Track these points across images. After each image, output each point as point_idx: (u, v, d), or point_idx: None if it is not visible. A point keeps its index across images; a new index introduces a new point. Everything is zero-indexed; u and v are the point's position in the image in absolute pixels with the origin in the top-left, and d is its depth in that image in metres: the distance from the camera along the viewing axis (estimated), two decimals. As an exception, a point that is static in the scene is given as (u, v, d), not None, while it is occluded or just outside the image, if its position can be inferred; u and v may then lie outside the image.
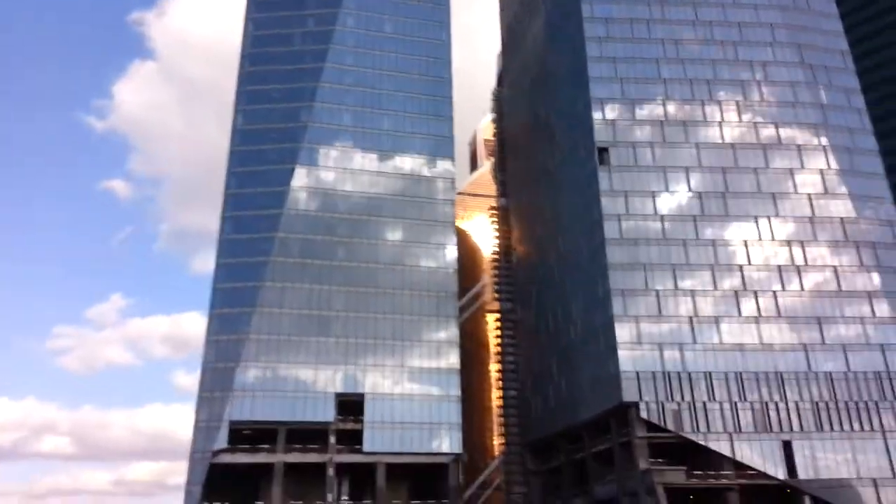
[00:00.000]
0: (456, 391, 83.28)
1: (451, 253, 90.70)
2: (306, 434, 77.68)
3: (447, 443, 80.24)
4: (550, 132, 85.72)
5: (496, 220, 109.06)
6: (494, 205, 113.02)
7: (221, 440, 75.47)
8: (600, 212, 68.47)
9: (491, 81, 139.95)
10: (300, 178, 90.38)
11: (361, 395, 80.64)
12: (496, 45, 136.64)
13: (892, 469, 58.35)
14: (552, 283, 79.76)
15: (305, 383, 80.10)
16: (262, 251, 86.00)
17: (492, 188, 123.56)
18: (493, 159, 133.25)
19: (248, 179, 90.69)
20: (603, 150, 71.96)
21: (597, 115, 73.69)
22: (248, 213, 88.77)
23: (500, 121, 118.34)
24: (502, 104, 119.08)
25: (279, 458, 75.90)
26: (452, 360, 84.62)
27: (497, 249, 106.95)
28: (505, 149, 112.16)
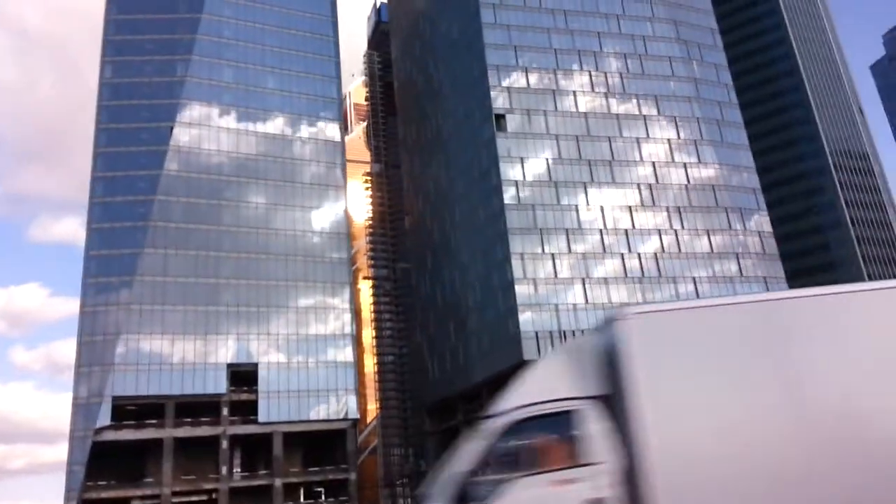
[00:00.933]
0: (351, 356, 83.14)
1: (342, 217, 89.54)
2: (197, 407, 74.65)
3: (344, 408, 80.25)
4: (444, 97, 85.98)
5: (370, 186, 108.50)
6: (368, 171, 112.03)
7: (104, 417, 70.87)
8: (499, 177, 70.01)
9: (362, 43, 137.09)
10: (179, 137, 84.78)
11: (255, 365, 78.42)
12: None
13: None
14: (448, 249, 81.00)
15: (194, 355, 76.57)
16: (139, 215, 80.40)
17: (364, 153, 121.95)
18: (364, 123, 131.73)
19: (119, 137, 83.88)
20: (500, 117, 73.31)
21: (493, 82, 74.73)
22: (121, 173, 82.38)
23: (373, 83, 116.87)
24: (374, 66, 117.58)
25: (168, 433, 72.53)
26: (346, 325, 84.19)
27: (371, 216, 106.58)
28: (383, 112, 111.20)
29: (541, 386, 8.27)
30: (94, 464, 69.30)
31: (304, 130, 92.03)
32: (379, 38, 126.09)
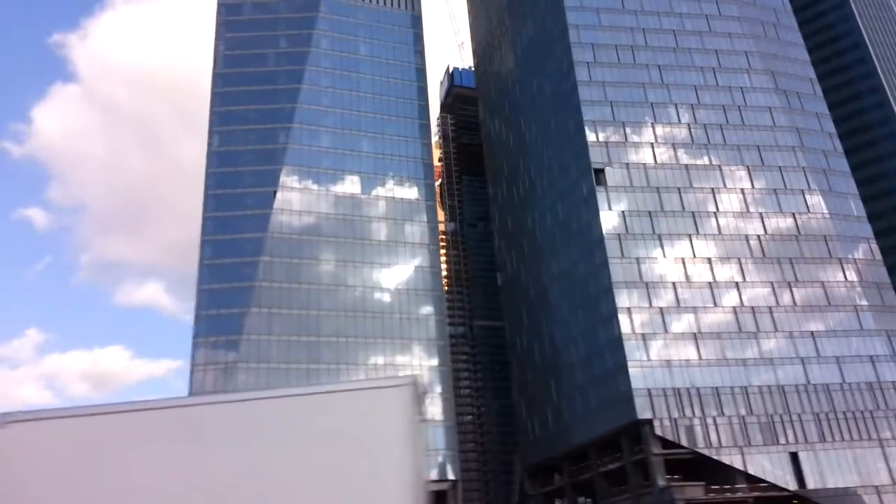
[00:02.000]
0: (452, 417, 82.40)
1: (436, 275, 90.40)
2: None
3: (446, 469, 79.10)
4: (537, 153, 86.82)
5: (445, 245, 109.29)
6: (443, 230, 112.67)
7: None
8: (601, 231, 69.44)
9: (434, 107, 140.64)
10: (281, 200, 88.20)
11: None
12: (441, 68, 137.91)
13: (892, 476, 60.94)
14: (546, 304, 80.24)
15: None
16: (245, 276, 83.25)
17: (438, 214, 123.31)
18: (439, 182, 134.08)
19: (226, 202, 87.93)
20: (599, 171, 73.28)
21: (590, 137, 75.07)
22: (227, 236, 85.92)
23: (446, 144, 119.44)
24: (447, 127, 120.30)
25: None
26: (446, 385, 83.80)
27: (447, 275, 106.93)
28: (457, 171, 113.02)
29: None
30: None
31: (398, 191, 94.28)
32: (452, 101, 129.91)
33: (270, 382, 77.89)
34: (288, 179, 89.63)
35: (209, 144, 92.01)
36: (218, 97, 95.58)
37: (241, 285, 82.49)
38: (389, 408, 9.26)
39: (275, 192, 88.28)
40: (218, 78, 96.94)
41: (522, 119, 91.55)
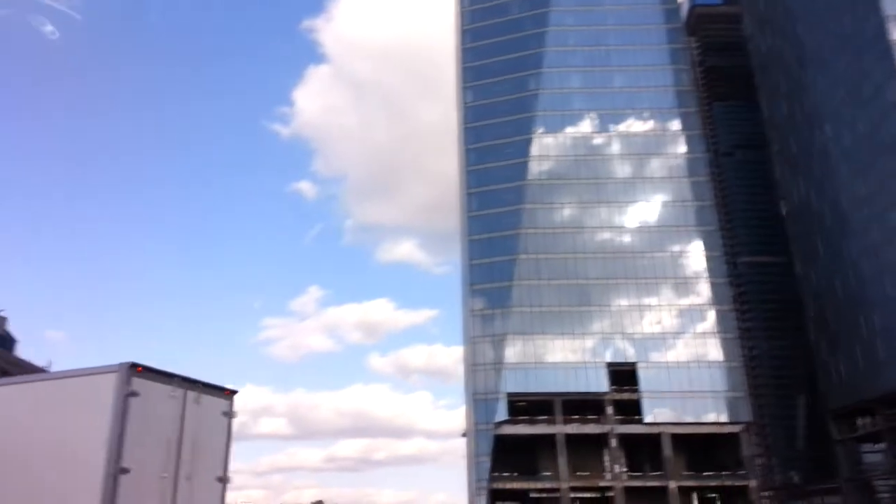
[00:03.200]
0: (738, 357, 77.87)
1: (709, 211, 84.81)
2: (582, 405, 75.99)
3: (736, 411, 75.23)
4: (824, 65, 76.51)
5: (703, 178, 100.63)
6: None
7: (501, 412, 75.83)
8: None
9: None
10: (538, 147, 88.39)
11: (633, 365, 77.54)
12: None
13: None
14: (846, 232, 71.36)
15: (574, 354, 78.40)
16: (510, 224, 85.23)
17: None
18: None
19: (485, 155, 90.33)
20: (907, 75, 62.48)
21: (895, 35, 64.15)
22: (490, 188, 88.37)
23: (694, 71, 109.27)
24: (692, 52, 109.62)
25: (559, 429, 74.79)
26: (730, 324, 79.15)
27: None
28: (707, 98, 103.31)
29: None
30: (494, 456, 74.39)
31: (655, 123, 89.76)
32: (694, 22, 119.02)
33: (545, 326, 79.65)
34: (542, 125, 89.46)
35: (463, 101, 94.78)
36: (467, 53, 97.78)
37: (506, 233, 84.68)
38: (88, 394, 9.23)
39: (531, 140, 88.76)
40: (466, 34, 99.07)
41: (801, 26, 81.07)
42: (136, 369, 9.32)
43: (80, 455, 9.09)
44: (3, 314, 62.86)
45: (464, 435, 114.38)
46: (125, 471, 8.82)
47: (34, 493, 9.26)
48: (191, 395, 10.13)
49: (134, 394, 9.17)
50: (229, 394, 10.87)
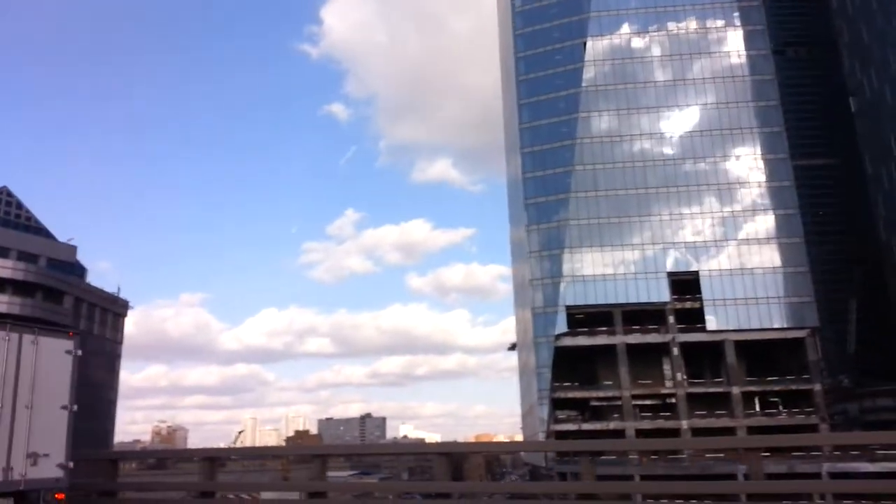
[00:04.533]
0: (804, 262, 76.06)
1: (775, 111, 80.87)
2: (643, 315, 75.81)
3: (801, 316, 74.20)
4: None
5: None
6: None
7: (561, 325, 76.22)
8: None
9: None
10: (591, 51, 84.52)
11: (695, 273, 76.49)
12: None
13: None
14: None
15: (634, 265, 77.60)
16: (563, 134, 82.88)
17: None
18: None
19: (535, 63, 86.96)
20: None
21: None
22: (542, 97, 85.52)
23: None
24: None
25: (620, 339, 75.07)
26: (795, 229, 76.89)
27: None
28: None
29: None
30: (554, 367, 75.36)
31: (716, 21, 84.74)
32: None
33: (603, 238, 78.63)
34: (595, 27, 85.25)
35: (512, 6, 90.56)
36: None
37: (561, 144, 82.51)
38: None
39: (584, 44, 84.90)
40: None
41: None
42: None
43: None
44: (73, 243, 64.22)
45: (511, 348, 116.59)
46: None
47: None
48: (27, 337, 11.39)
49: None
50: (73, 335, 12.27)
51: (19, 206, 62.93)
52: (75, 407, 12.09)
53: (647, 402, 75.29)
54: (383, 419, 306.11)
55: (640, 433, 70.11)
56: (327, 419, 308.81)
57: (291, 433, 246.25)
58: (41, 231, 62.92)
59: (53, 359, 11.79)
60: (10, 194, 62.56)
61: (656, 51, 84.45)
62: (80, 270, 63.79)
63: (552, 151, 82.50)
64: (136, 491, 16.94)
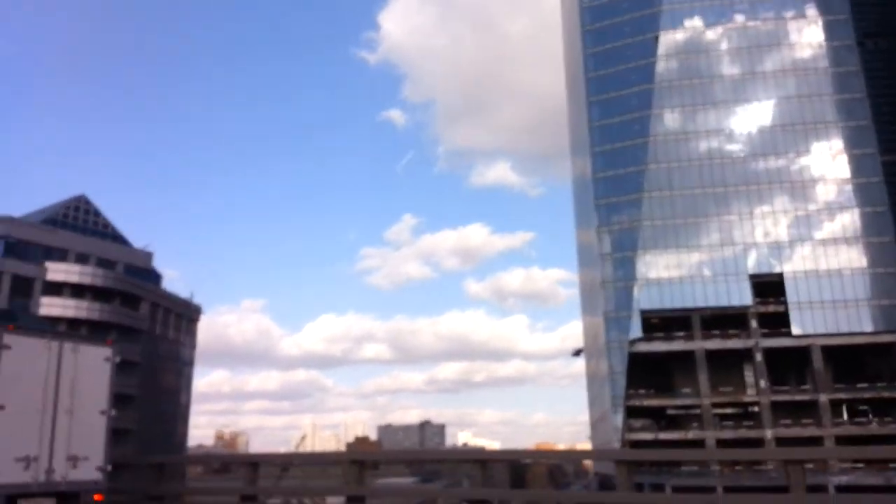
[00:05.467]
0: (894, 263, 71.54)
1: (861, 105, 76.56)
2: (722, 319, 72.54)
3: (891, 320, 69.75)
4: None
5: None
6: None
7: (635, 329, 73.60)
8: None
9: None
10: (664, 45, 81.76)
11: (779, 275, 72.82)
12: None
13: None
14: None
15: (713, 267, 74.41)
16: (635, 132, 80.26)
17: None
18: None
19: (605, 58, 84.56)
20: None
21: None
22: (612, 94, 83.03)
23: None
24: None
25: (698, 345, 71.93)
26: (885, 227, 72.46)
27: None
28: None
29: None
30: (629, 374, 72.73)
31: (796, 12, 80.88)
32: None
33: (679, 238, 75.76)
34: (668, 21, 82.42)
35: (580, 3, 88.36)
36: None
37: (633, 142, 79.93)
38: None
39: (656, 38, 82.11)
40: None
41: None
42: (7, 328, 11.16)
43: None
44: (149, 249, 65.21)
45: (576, 354, 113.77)
46: (1, 407, 10.66)
47: None
48: (67, 345, 11.89)
49: (6, 346, 10.91)
50: (110, 343, 12.82)
51: (97, 213, 64.19)
52: (113, 412, 12.56)
53: (728, 410, 72.03)
54: (442, 426, 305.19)
55: (721, 443, 67.06)
56: (386, 425, 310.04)
57: (351, 439, 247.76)
58: (118, 238, 64.04)
59: (93, 366, 12.30)
60: (87, 202, 63.87)
61: (731, 43, 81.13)
62: (155, 277, 64.71)
63: (624, 150, 79.98)
64: (185, 495, 17.76)
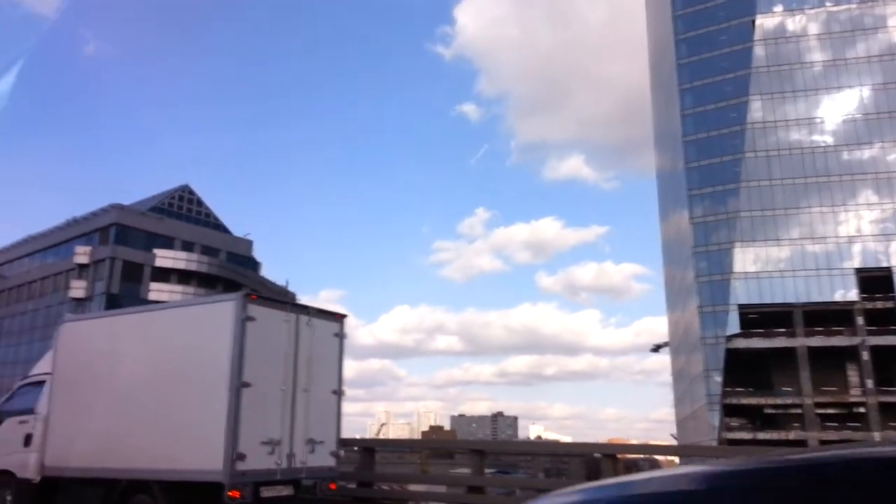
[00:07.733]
0: None
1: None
2: (825, 315, 69.06)
3: None
4: None
5: None
6: None
7: (732, 325, 70.92)
8: None
9: None
10: (761, 29, 78.27)
11: (888, 269, 68.86)
12: None
13: None
14: None
15: (816, 259, 70.94)
16: (731, 120, 77.19)
17: None
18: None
19: (697, 44, 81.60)
20: None
21: None
22: (706, 80, 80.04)
23: None
24: None
25: (800, 342, 68.74)
26: None
27: None
28: None
29: (42, 364, 12.87)
30: (725, 371, 70.16)
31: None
32: None
33: (779, 231, 72.57)
34: (765, 4, 78.91)
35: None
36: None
37: (729, 130, 76.93)
38: (211, 319, 10.68)
39: (752, 22, 78.71)
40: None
41: None
42: (250, 297, 10.48)
43: (206, 372, 10.30)
44: (249, 237, 66.79)
45: (655, 350, 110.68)
46: (247, 384, 9.93)
47: (165, 407, 10.54)
48: (303, 318, 11.18)
49: (250, 318, 10.17)
50: (340, 317, 12.00)
51: (200, 202, 66.20)
52: (346, 391, 11.88)
53: (830, 410, 68.58)
54: (515, 418, 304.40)
55: (825, 445, 63.84)
56: (459, 416, 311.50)
57: (425, 428, 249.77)
58: (219, 226, 65.84)
59: (325, 341, 11.59)
60: (191, 192, 65.95)
61: (835, 26, 76.94)
62: (254, 264, 66.20)
63: (719, 138, 77.06)
64: (394, 482, 16.54)
